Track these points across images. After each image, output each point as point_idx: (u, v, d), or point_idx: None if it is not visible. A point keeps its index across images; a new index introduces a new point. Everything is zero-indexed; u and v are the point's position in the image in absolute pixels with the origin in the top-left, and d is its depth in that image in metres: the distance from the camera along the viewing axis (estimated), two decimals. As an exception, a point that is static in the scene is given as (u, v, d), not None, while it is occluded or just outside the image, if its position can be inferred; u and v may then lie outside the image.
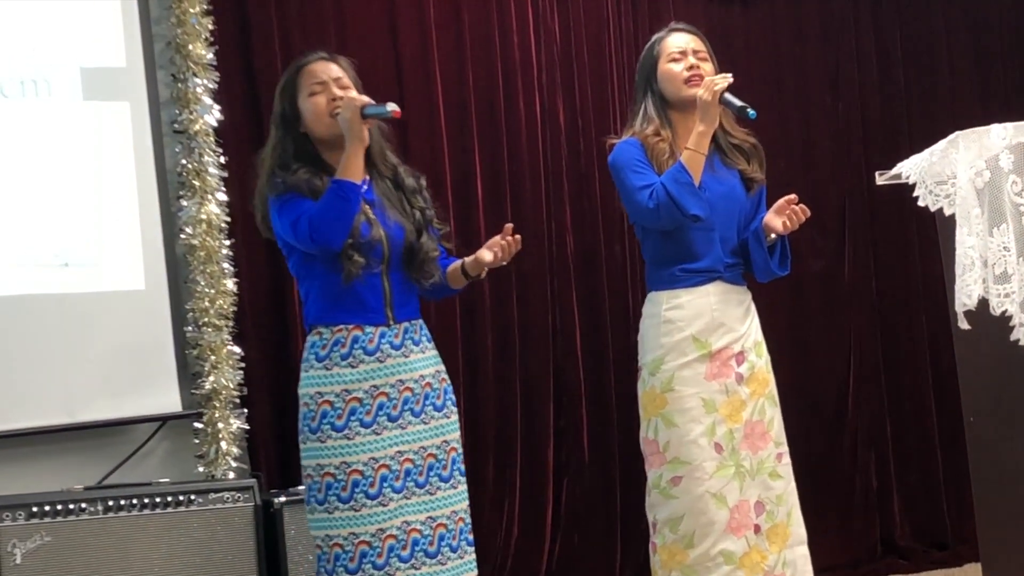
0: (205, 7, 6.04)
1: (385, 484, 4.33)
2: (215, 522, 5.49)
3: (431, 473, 4.44)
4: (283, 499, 5.59)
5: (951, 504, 7.50)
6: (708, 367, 4.73)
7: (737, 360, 4.78)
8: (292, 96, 4.52)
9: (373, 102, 4.39)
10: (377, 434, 4.36)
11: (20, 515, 5.22)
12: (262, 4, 6.34)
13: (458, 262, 4.66)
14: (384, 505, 4.32)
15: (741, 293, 4.89)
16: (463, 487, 4.55)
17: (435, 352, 4.61)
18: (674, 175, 4.65)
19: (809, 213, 4.78)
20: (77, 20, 5.94)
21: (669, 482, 4.71)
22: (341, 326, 4.40)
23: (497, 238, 4.56)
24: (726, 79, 4.69)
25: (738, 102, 4.68)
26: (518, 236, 4.57)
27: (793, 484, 4.88)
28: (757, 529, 4.73)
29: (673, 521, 4.71)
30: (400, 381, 4.43)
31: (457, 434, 4.58)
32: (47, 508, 5.26)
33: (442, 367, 4.61)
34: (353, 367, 4.38)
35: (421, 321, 4.59)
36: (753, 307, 4.92)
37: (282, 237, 4.47)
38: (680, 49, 4.87)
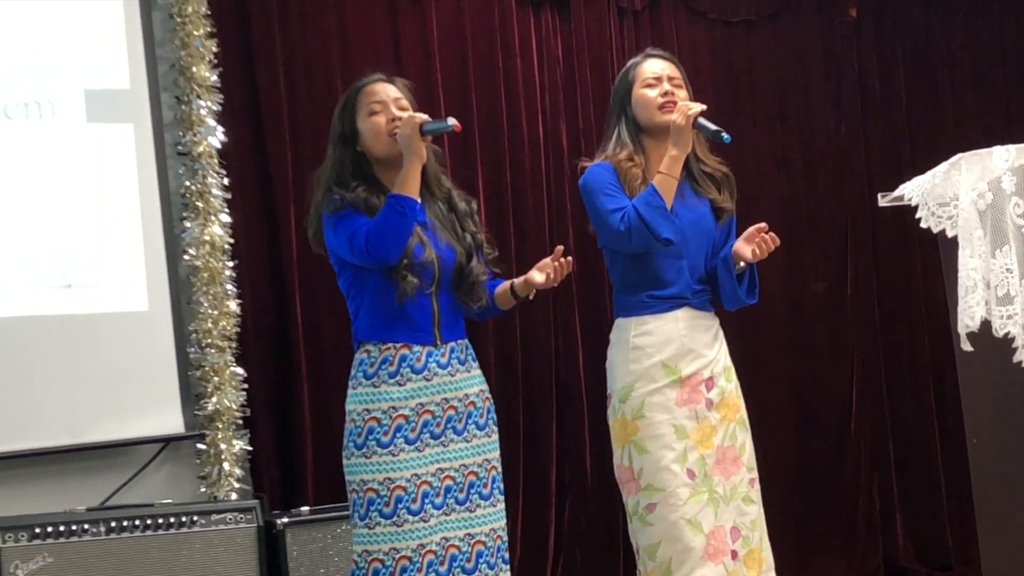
0: (209, 29, 6.06)
1: (427, 500, 4.36)
2: (217, 543, 5.49)
3: (472, 491, 4.47)
4: (285, 520, 5.58)
5: (954, 525, 7.50)
6: (678, 393, 4.70)
7: (707, 386, 4.75)
8: (351, 115, 4.54)
9: (431, 119, 4.42)
10: (420, 451, 4.38)
11: (23, 536, 5.22)
12: (266, 27, 6.36)
13: (507, 283, 4.70)
14: (425, 521, 4.34)
15: (709, 319, 4.86)
16: (502, 505, 4.58)
17: (480, 372, 4.62)
18: (646, 198, 4.65)
19: (779, 242, 4.72)
20: (81, 42, 5.96)
21: (645, 509, 4.68)
22: (390, 344, 4.42)
23: (548, 260, 4.62)
24: (700, 106, 4.68)
25: (712, 126, 4.66)
26: (569, 258, 4.62)
27: (762, 509, 4.86)
28: (734, 555, 4.71)
29: (651, 548, 4.68)
30: (445, 400, 4.45)
31: (497, 453, 4.60)
32: (50, 529, 5.26)
33: (486, 387, 4.63)
34: (400, 385, 4.40)
35: (467, 341, 4.61)
36: (721, 333, 4.89)
37: (336, 252, 4.49)
38: (655, 75, 4.86)
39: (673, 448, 4.66)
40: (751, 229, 4.73)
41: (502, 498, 4.58)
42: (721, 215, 4.91)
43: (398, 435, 4.36)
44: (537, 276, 4.61)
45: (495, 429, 4.61)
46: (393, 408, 4.38)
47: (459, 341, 4.56)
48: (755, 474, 4.84)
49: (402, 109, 4.52)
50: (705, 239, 4.85)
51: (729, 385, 4.82)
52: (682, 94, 4.84)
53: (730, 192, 4.95)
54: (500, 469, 4.60)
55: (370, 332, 4.46)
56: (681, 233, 4.73)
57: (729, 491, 4.73)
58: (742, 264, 4.77)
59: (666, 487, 4.65)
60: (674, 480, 4.64)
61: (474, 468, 4.49)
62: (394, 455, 4.35)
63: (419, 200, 4.45)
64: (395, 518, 4.32)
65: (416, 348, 4.43)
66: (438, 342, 4.48)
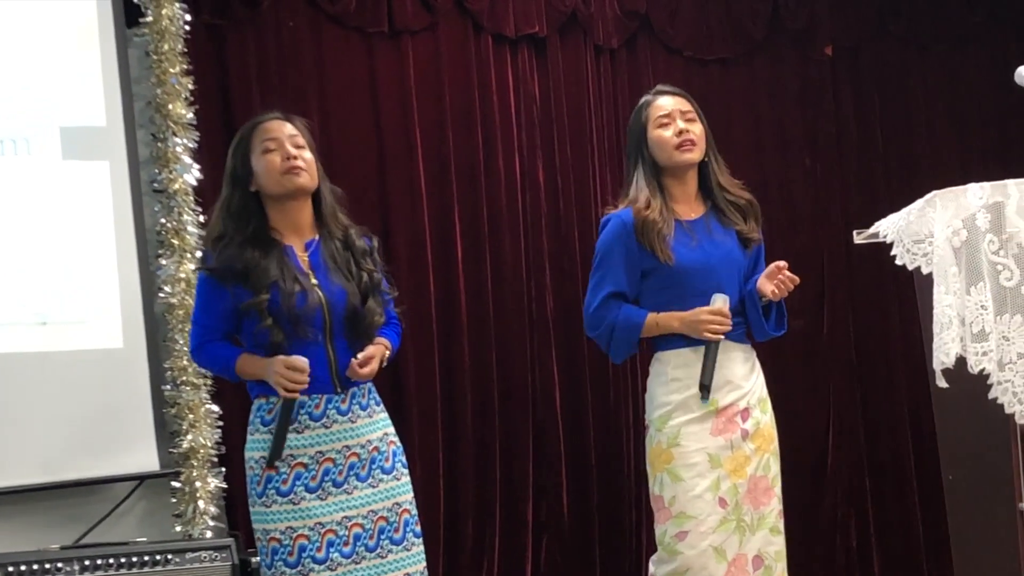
0: (185, 67, 6.05)
1: (332, 549, 4.31)
2: (193, 582, 5.47)
3: (382, 536, 4.41)
4: (260, 558, 5.55)
5: (931, 563, 7.49)
6: (714, 423, 4.77)
7: (742, 416, 4.81)
8: (245, 153, 4.49)
9: (296, 404, 4.37)
10: (322, 499, 4.34)
11: (-4, 575, 5.19)
12: (242, 65, 6.36)
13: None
14: (332, 570, 4.30)
15: (745, 351, 4.93)
16: (418, 548, 4.52)
17: (384, 415, 4.56)
18: (628, 329, 4.81)
19: (798, 281, 4.82)
20: (57, 80, 5.95)
21: (674, 537, 4.72)
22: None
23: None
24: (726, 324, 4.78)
25: (709, 365, 4.77)
26: (359, 370, 4.44)
27: (784, 541, 4.89)
28: None
29: None
30: (346, 447, 4.40)
31: (409, 496, 4.52)
32: (23, 568, 5.22)
33: (391, 430, 4.56)
34: (299, 432, 4.36)
35: (371, 384, 4.54)
36: (758, 364, 4.98)
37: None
38: (666, 112, 4.88)
39: (706, 477, 4.73)
40: (772, 266, 4.84)
41: (418, 541, 4.52)
42: (748, 244, 4.98)
43: (298, 483, 4.33)
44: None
45: (404, 472, 4.54)
46: (291, 456, 4.34)
47: (361, 386, 4.48)
48: (782, 506, 4.88)
49: (298, 147, 4.46)
50: (736, 272, 4.93)
51: (764, 416, 4.91)
52: (696, 128, 4.89)
53: (756, 219, 5.01)
54: (414, 512, 4.53)
55: (265, 387, 4.39)
56: (713, 269, 4.81)
57: (757, 520, 4.79)
58: (765, 299, 4.83)
59: (697, 515, 4.72)
60: (705, 508, 4.72)
61: (383, 513, 4.42)
62: (295, 503, 4.32)
63: (312, 241, 4.48)
64: (300, 567, 4.29)
65: (315, 396, 4.38)
66: (338, 389, 4.42)
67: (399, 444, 4.58)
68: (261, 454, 4.37)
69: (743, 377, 4.86)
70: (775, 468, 4.89)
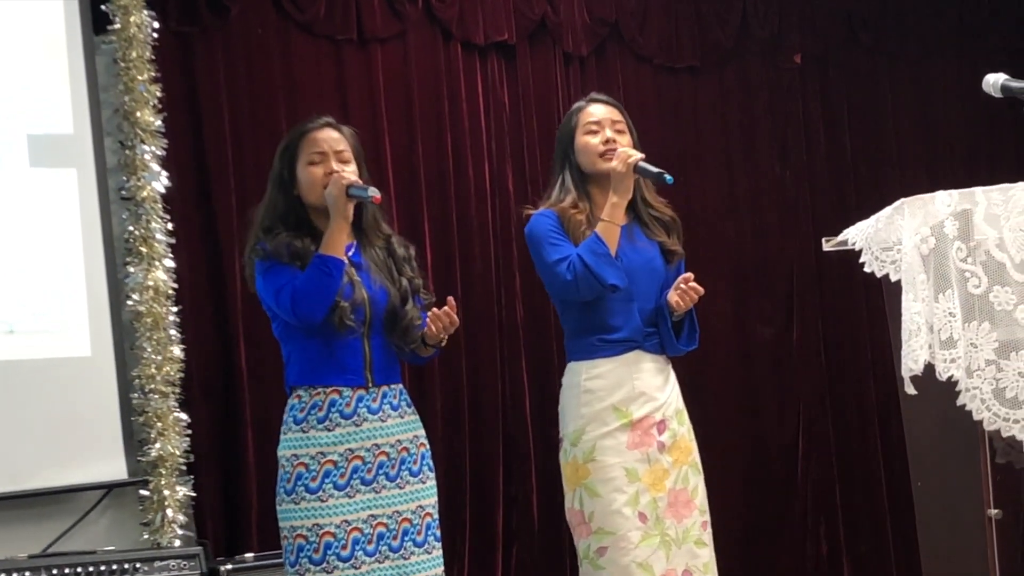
0: (153, 74, 6.03)
1: (357, 547, 4.32)
2: (161, 591, 5.45)
3: (405, 538, 4.43)
4: (229, 567, 5.55)
5: (901, 570, 7.52)
6: (629, 436, 4.70)
7: (658, 429, 4.75)
8: (291, 160, 4.52)
9: (360, 182, 4.41)
10: (350, 497, 4.35)
11: (-38, 584, 5.17)
12: (211, 72, 6.35)
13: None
14: (356, 568, 4.31)
15: (661, 362, 4.85)
16: (437, 552, 4.53)
17: (415, 417, 4.59)
18: (591, 246, 4.66)
19: (703, 291, 4.73)
20: (24, 87, 5.92)
21: (596, 552, 4.68)
22: (320, 389, 4.40)
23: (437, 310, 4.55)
24: (638, 153, 4.70)
25: (654, 169, 4.67)
26: (452, 316, 4.50)
27: (713, 553, 4.85)
28: None
29: None
30: (376, 445, 4.42)
31: (433, 499, 4.56)
32: (-10, 577, 5.21)
33: (421, 432, 4.60)
34: (329, 430, 4.37)
35: (401, 386, 4.58)
36: (673, 375, 4.89)
37: (264, 302, 4.49)
38: (596, 120, 4.86)
39: (624, 491, 4.66)
40: (679, 279, 4.75)
41: (438, 545, 4.54)
42: (672, 258, 4.92)
43: (326, 480, 4.34)
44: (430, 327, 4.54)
45: (431, 475, 4.58)
46: (321, 453, 4.36)
47: (393, 386, 4.53)
48: (707, 517, 4.85)
49: (343, 162, 4.49)
50: (655, 282, 4.85)
51: (681, 428, 4.82)
52: (624, 139, 4.84)
53: (678, 235, 4.96)
54: (436, 516, 4.56)
55: (300, 377, 4.45)
56: (631, 277, 4.74)
57: (681, 534, 4.72)
58: (677, 313, 4.79)
59: (617, 531, 4.64)
60: (625, 524, 4.64)
61: (407, 515, 4.44)
62: (323, 501, 4.32)
63: (351, 244, 4.48)
64: (324, 564, 4.29)
65: (346, 392, 4.40)
66: (370, 385, 4.45)
67: (428, 447, 4.61)
68: (293, 452, 4.38)
69: (657, 388, 4.79)
70: (694, 480, 4.80)
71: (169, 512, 5.84)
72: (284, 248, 4.41)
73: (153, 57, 6.04)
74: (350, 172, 4.48)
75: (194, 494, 5.98)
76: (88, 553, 5.52)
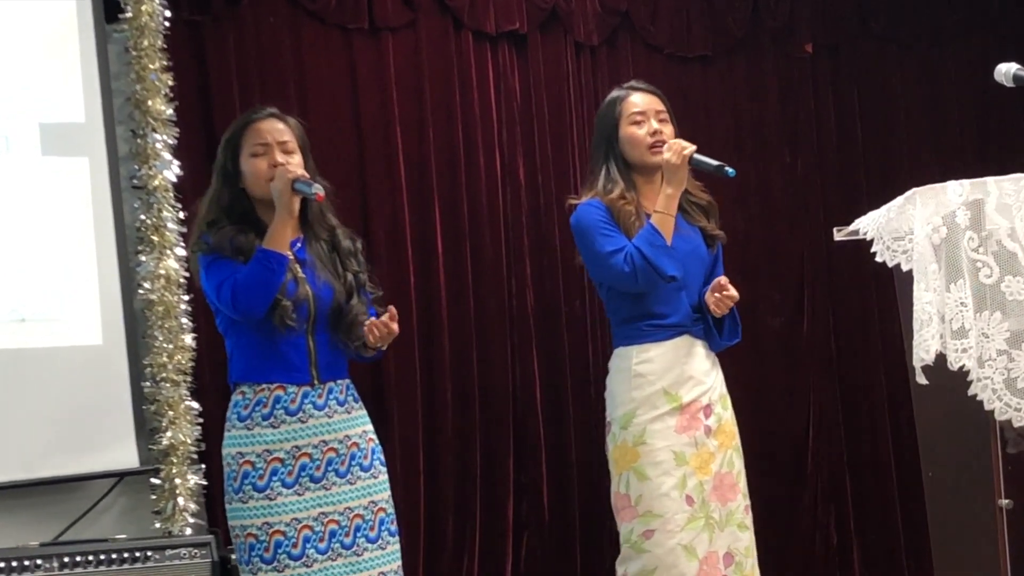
0: (165, 63, 6.03)
1: (308, 545, 4.31)
2: (172, 579, 5.46)
3: (358, 534, 4.41)
4: (240, 556, 5.55)
5: (911, 560, 7.51)
6: (678, 420, 4.76)
7: (705, 413, 4.81)
8: (235, 152, 4.50)
9: (306, 176, 4.38)
10: (299, 495, 4.34)
11: (-25, 572, 5.18)
12: (222, 60, 6.35)
13: None
14: (308, 566, 4.30)
15: (707, 347, 4.91)
16: (393, 547, 4.52)
17: (363, 412, 4.56)
18: (648, 238, 4.68)
19: (738, 297, 4.79)
20: (36, 76, 5.92)
21: (641, 536, 4.71)
22: (264, 385, 4.39)
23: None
24: (692, 146, 4.71)
25: (713, 161, 4.69)
26: (391, 326, 4.43)
27: (754, 536, 4.90)
28: None
29: (644, 575, 4.71)
30: (323, 442, 4.40)
31: (386, 494, 4.53)
32: (2, 565, 5.21)
33: (370, 427, 4.57)
34: (274, 427, 4.36)
35: (348, 381, 4.56)
36: (717, 361, 4.95)
37: (209, 296, 4.48)
38: (640, 110, 4.87)
39: (672, 475, 4.73)
40: (715, 282, 4.78)
41: (393, 540, 4.52)
42: (712, 242, 4.98)
43: (274, 478, 4.33)
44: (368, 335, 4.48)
45: (383, 470, 4.55)
46: (268, 451, 4.35)
47: (339, 381, 4.50)
48: (748, 501, 4.92)
49: (287, 153, 4.46)
50: (700, 268, 4.92)
51: (726, 413, 4.91)
52: (668, 129, 4.88)
53: (715, 219, 4.99)
54: (390, 511, 4.53)
55: (244, 373, 4.43)
56: (682, 262, 4.78)
57: (725, 517, 4.81)
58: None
59: (664, 513, 4.71)
60: (672, 506, 4.71)
61: (359, 511, 4.42)
62: (271, 499, 4.31)
63: (297, 239, 4.46)
64: (276, 563, 4.29)
65: (291, 389, 4.38)
66: (315, 382, 4.43)
67: (378, 442, 4.58)
68: (238, 450, 4.37)
69: (705, 373, 4.86)
70: (739, 464, 4.91)
71: (180, 500, 5.84)
72: (228, 242, 4.39)
73: (165, 46, 6.03)
74: (295, 164, 4.44)
75: (205, 483, 5.98)
76: (99, 541, 5.53)
